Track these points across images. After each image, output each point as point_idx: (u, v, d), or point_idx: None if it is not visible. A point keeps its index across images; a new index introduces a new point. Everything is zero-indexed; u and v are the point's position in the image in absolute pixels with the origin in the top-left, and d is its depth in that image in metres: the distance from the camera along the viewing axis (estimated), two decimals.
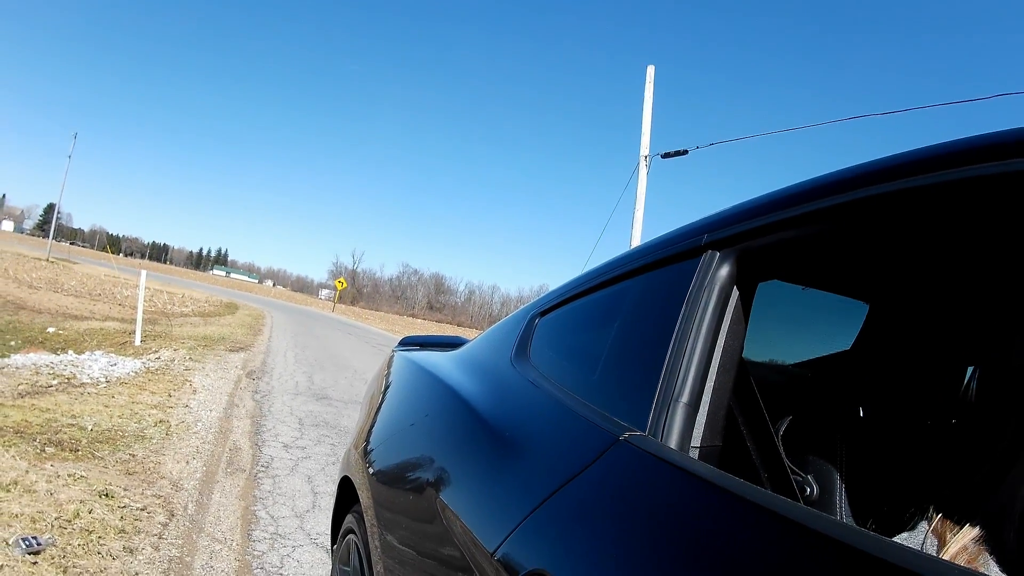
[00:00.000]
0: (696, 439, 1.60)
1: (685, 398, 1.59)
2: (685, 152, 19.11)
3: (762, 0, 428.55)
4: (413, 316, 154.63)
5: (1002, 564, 1.24)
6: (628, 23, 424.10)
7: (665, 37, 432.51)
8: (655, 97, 19.61)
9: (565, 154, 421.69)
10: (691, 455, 1.58)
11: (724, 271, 1.70)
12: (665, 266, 1.91)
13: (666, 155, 19.40)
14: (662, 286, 1.88)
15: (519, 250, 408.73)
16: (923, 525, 1.42)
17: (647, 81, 19.53)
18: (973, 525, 1.32)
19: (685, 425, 1.58)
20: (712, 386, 1.63)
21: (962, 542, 1.30)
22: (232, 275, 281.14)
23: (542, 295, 2.79)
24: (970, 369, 2.03)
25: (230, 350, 18.13)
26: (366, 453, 3.13)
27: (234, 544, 5.44)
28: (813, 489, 1.85)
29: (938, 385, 2.05)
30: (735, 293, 1.70)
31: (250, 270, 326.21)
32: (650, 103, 19.52)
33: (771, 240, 1.63)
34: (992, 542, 1.29)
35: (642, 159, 19.41)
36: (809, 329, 2.70)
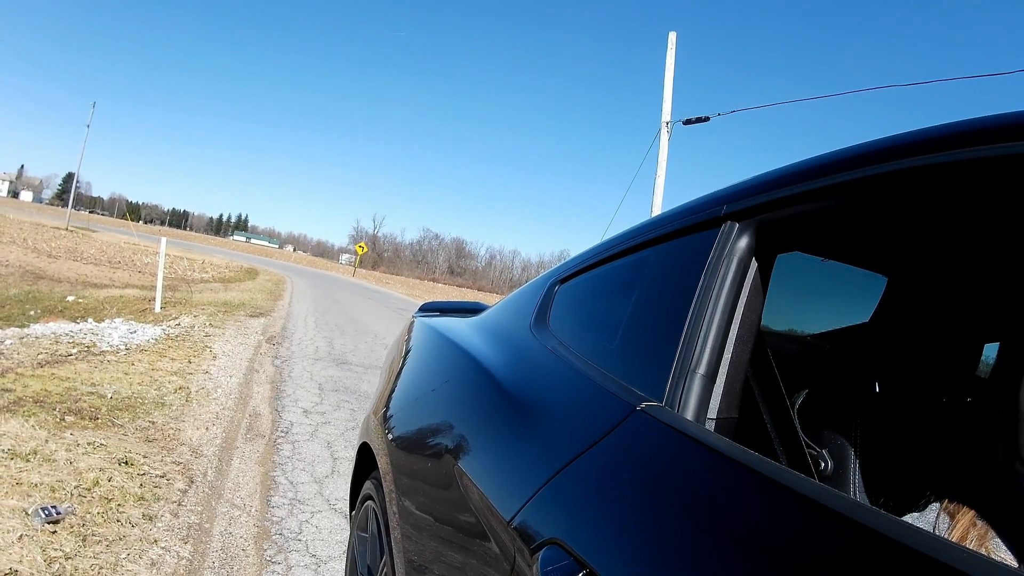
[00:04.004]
0: (712, 411, 1.60)
1: (702, 369, 1.59)
2: (707, 119, 19.11)
3: None
4: (434, 281, 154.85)
5: (1012, 543, 1.23)
6: None
7: (690, 4, 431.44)
8: (678, 64, 19.58)
9: (588, 120, 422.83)
10: (707, 426, 1.58)
11: (743, 242, 1.69)
12: (685, 236, 1.89)
13: (688, 121, 19.41)
14: (681, 256, 1.87)
15: (540, 215, 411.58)
16: (935, 504, 1.42)
17: (669, 47, 19.52)
18: (984, 505, 1.32)
19: (702, 396, 1.58)
20: (729, 358, 1.63)
21: (972, 521, 1.29)
22: (252, 240, 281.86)
23: (562, 262, 2.78)
24: (987, 347, 2.03)
25: (250, 315, 18.21)
26: (385, 419, 3.14)
27: (253, 510, 5.49)
28: (828, 464, 1.85)
29: (955, 362, 2.04)
30: (754, 265, 1.69)
31: (270, 235, 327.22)
32: (672, 69, 19.50)
33: (791, 212, 1.62)
34: (1003, 522, 1.29)
35: (663, 125, 19.41)
36: (827, 301, 2.69)
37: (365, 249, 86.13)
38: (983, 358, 2.03)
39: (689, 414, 1.55)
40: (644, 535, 1.34)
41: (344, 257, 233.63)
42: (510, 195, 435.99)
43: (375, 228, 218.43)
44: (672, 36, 19.54)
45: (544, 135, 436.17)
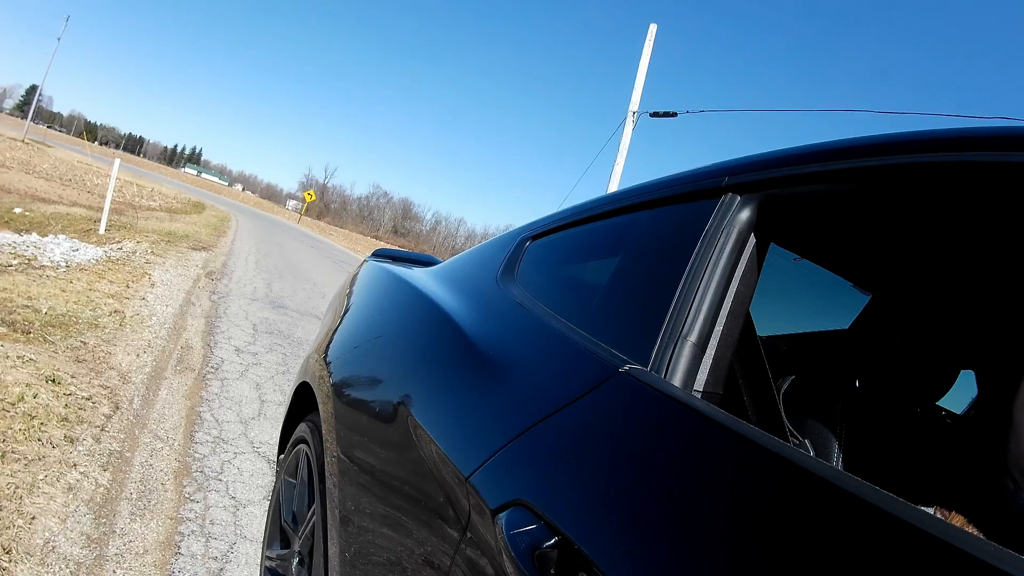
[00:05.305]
0: (700, 382, 1.54)
1: (693, 337, 1.54)
2: (674, 114, 19.23)
3: None
4: (377, 238, 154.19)
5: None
6: None
7: (674, 4, 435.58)
8: (652, 60, 19.71)
9: (549, 103, 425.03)
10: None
11: (744, 215, 1.65)
12: (680, 203, 1.85)
13: (655, 114, 19.55)
14: (676, 222, 1.81)
15: (490, 188, 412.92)
16: (923, 508, 1.38)
17: (647, 38, 19.70)
18: (969, 514, 1.31)
19: (691, 365, 1.53)
20: (721, 330, 1.58)
21: (963, 525, 1.29)
22: (203, 175, 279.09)
23: (533, 220, 2.70)
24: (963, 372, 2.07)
25: (193, 248, 18.00)
26: (331, 359, 3.05)
27: (176, 444, 5.37)
28: (809, 453, 1.80)
29: (930, 380, 2.05)
30: (752, 240, 1.65)
31: (222, 172, 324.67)
32: (647, 60, 19.68)
33: (794, 192, 1.59)
34: (989, 530, 1.29)
35: (630, 114, 19.54)
36: (798, 302, 2.68)
37: (313, 197, 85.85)
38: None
39: (676, 381, 1.50)
40: (624, 500, 1.27)
41: (291, 203, 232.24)
42: (463, 165, 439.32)
43: (326, 178, 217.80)
44: (652, 28, 19.66)
45: (505, 111, 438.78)
